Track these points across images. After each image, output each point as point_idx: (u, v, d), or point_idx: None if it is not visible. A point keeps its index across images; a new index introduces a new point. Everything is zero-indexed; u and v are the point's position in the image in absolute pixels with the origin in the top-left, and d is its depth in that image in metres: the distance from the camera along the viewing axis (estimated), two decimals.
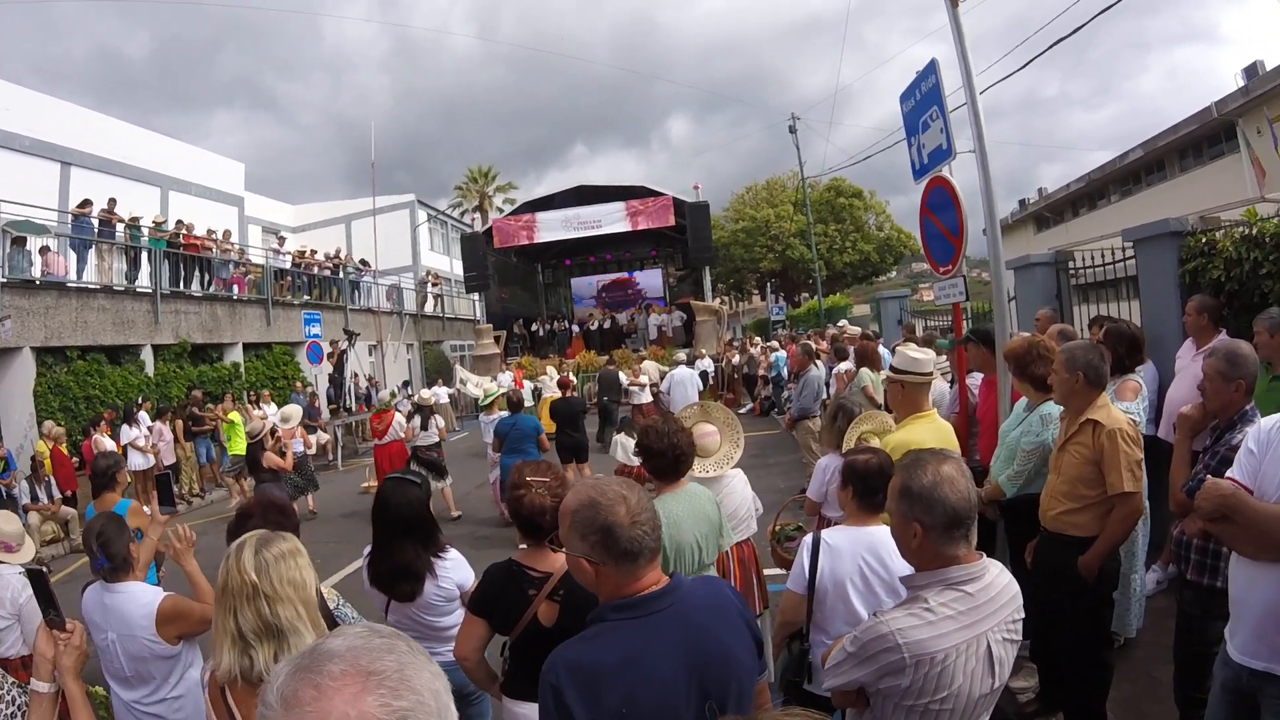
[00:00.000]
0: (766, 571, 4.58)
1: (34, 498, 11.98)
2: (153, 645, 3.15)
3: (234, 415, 14.48)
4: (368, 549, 3.52)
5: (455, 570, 3.46)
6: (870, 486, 3.03)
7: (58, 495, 12.43)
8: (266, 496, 3.26)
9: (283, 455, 9.62)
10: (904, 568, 2.70)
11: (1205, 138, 21.65)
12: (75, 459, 13.41)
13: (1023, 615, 2.11)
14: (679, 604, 1.89)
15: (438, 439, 11.30)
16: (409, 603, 3.36)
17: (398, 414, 12.04)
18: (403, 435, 11.58)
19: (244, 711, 2.00)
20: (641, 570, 1.89)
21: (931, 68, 5.29)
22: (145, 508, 5.45)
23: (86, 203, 16.52)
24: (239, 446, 13.40)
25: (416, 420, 11.38)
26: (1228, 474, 2.69)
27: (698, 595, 1.97)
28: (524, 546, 2.83)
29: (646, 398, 16.22)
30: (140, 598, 3.21)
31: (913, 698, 1.96)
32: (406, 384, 24.55)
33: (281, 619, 2.00)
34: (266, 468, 9.30)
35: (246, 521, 3.10)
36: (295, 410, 12.28)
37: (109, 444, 13.03)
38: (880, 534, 2.94)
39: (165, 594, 3.27)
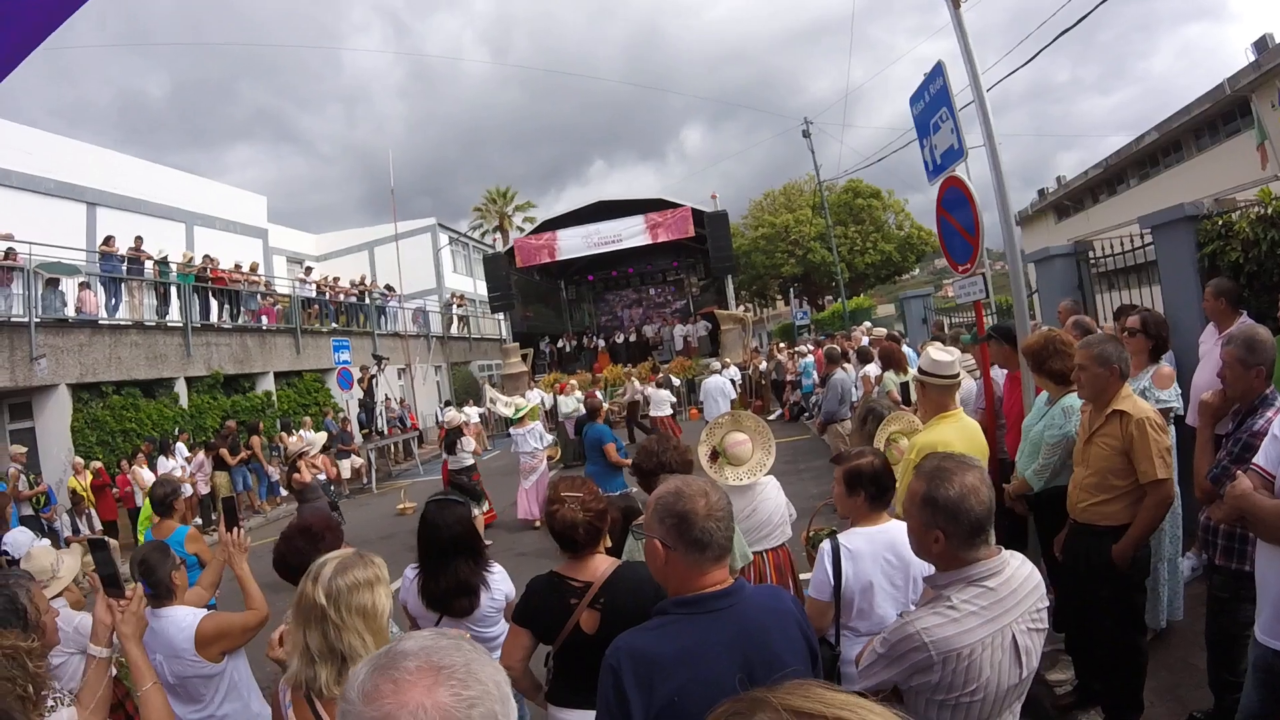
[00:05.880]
0: (803, 576, 4.62)
1: (75, 530, 12.25)
2: (197, 666, 3.25)
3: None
4: (408, 570, 3.61)
5: (503, 582, 3.56)
6: (882, 487, 3.10)
7: (99, 527, 12.68)
8: (302, 521, 3.37)
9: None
10: (921, 561, 2.78)
11: (1220, 115, 21.45)
12: (114, 490, 13.71)
13: (1046, 604, 2.16)
14: (740, 606, 2.00)
15: (470, 462, 11.18)
16: (464, 617, 3.45)
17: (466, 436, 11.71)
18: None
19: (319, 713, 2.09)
20: (708, 565, 2.01)
21: (939, 70, 5.34)
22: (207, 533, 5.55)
23: (110, 239, 16.89)
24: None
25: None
26: (1253, 460, 2.73)
27: (758, 601, 2.07)
28: (564, 559, 2.91)
29: (666, 410, 16.27)
30: (180, 621, 3.31)
31: (944, 692, 2.03)
32: (448, 403, 24.69)
33: (344, 644, 2.05)
34: (298, 488, 9.45)
35: (281, 544, 3.24)
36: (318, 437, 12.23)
37: (146, 476, 13.33)
38: (895, 530, 3.00)
39: (203, 614, 3.37)
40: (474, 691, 0.97)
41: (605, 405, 11.89)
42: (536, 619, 2.82)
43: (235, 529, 3.66)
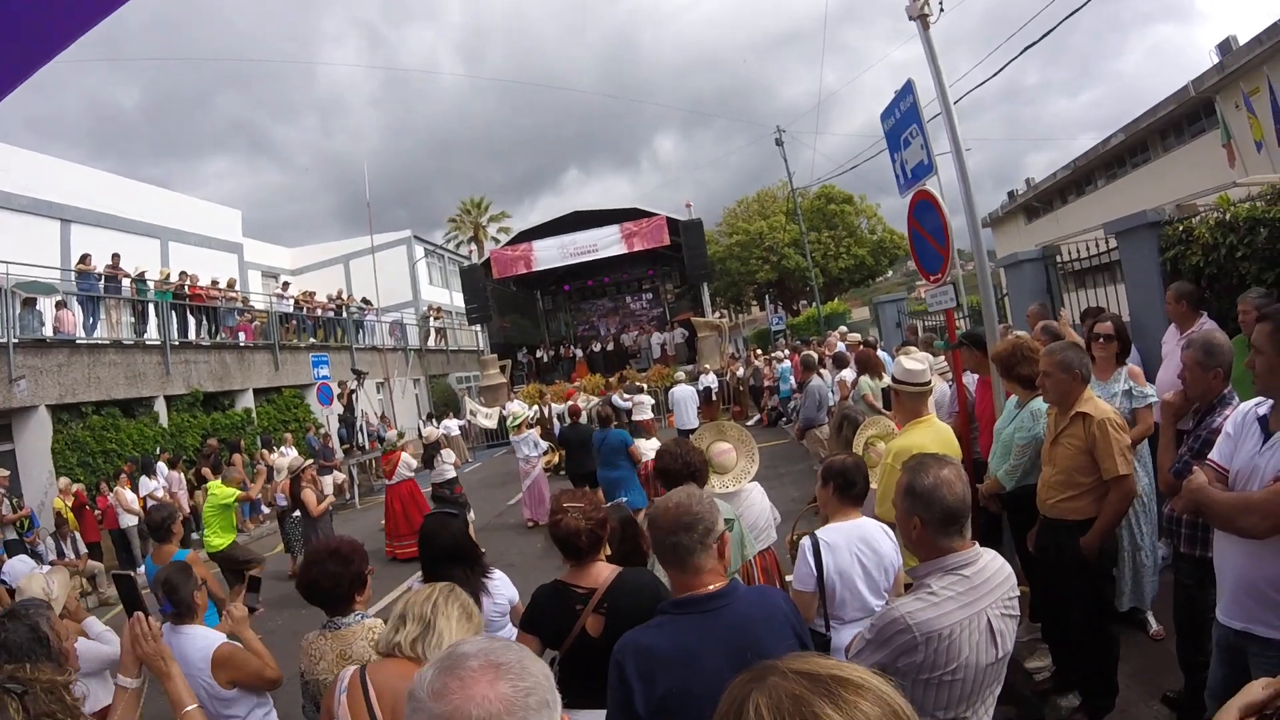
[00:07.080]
0: (789, 577, 4.78)
1: (60, 553, 12.22)
2: (209, 687, 3.34)
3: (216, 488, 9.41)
4: (410, 581, 3.75)
5: (505, 587, 3.73)
6: (848, 480, 3.35)
7: (84, 550, 12.65)
8: (329, 544, 3.40)
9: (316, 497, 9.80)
10: (891, 551, 3.14)
11: (1185, 116, 21.76)
12: (96, 512, 13.69)
13: (1017, 593, 2.37)
14: (733, 604, 2.20)
15: (452, 474, 11.33)
16: None
17: (404, 454, 11.92)
18: (410, 474, 11.61)
19: (378, 688, 2.30)
20: (689, 576, 2.24)
21: (909, 88, 5.52)
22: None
23: (86, 257, 16.77)
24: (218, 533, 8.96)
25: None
26: (1209, 456, 2.93)
27: (750, 600, 2.27)
28: (567, 568, 3.07)
29: (648, 414, 16.48)
30: (199, 640, 3.43)
31: (927, 671, 2.22)
32: (431, 416, 24.67)
33: (436, 619, 2.36)
34: (316, 517, 9.49)
35: (312, 569, 3.22)
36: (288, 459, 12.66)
37: (129, 497, 13.32)
38: (865, 524, 3.29)
39: (223, 640, 3.47)
40: (528, 683, 1.13)
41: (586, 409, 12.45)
42: (543, 625, 2.97)
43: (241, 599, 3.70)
